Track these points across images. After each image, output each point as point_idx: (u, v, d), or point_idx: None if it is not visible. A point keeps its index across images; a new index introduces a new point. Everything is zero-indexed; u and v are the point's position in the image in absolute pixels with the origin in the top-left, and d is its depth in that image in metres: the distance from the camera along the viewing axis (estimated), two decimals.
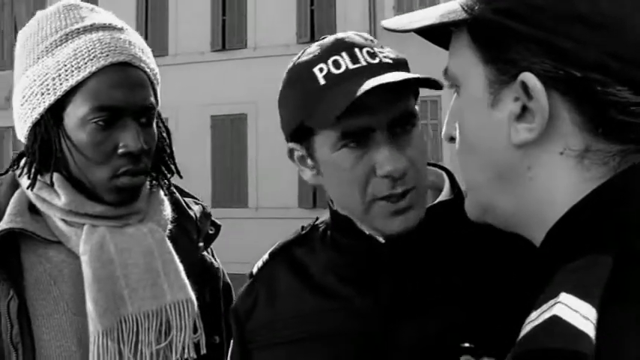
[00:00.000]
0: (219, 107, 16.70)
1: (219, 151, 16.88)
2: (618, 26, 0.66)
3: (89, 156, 1.28)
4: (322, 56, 1.14)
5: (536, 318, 0.62)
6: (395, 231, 1.13)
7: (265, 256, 1.34)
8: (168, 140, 1.45)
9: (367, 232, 1.18)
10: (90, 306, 1.25)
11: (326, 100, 1.11)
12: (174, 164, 1.46)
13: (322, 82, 1.12)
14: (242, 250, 15.50)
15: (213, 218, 1.53)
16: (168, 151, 1.45)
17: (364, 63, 1.12)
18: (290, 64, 1.20)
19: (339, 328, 1.17)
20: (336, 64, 1.13)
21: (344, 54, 1.13)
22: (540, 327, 0.61)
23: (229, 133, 16.79)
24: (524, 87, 0.69)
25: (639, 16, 0.67)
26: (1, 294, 1.25)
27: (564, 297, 0.60)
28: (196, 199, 1.57)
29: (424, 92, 1.24)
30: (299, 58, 1.18)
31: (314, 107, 1.12)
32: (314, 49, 1.17)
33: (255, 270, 1.34)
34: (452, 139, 0.82)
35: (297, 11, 16.36)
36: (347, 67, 1.12)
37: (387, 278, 1.15)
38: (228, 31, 17.11)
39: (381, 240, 1.17)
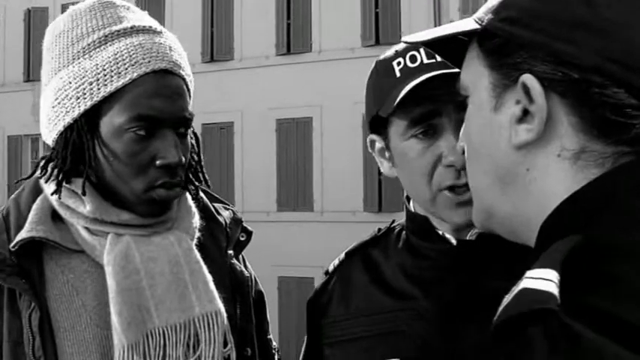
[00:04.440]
0: (284, 111, 16.69)
1: (284, 154, 16.89)
2: (619, 32, 0.68)
3: (125, 166, 1.22)
4: (403, 52, 1.23)
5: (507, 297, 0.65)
6: (458, 223, 1.19)
7: (342, 255, 1.39)
8: (197, 148, 1.39)
9: (441, 233, 1.24)
10: (114, 319, 1.19)
11: (397, 90, 1.19)
12: (203, 173, 1.40)
13: (398, 74, 1.21)
14: (307, 253, 15.49)
15: (244, 224, 1.46)
16: (197, 159, 1.39)
17: (439, 58, 1.16)
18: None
19: (402, 328, 1.20)
20: (413, 59, 1.21)
21: (421, 50, 1.21)
22: (509, 301, 0.63)
23: (294, 137, 16.76)
24: (526, 89, 0.71)
25: None
26: (23, 305, 1.20)
27: (529, 272, 0.63)
28: (227, 204, 1.50)
29: None
30: (386, 53, 1.28)
31: (388, 97, 1.21)
32: (400, 45, 1.24)
33: (331, 268, 1.40)
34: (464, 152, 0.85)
35: (362, 14, 16.18)
36: (422, 60, 1.20)
37: (452, 281, 1.19)
38: (293, 34, 17.02)
39: (453, 242, 1.22)
